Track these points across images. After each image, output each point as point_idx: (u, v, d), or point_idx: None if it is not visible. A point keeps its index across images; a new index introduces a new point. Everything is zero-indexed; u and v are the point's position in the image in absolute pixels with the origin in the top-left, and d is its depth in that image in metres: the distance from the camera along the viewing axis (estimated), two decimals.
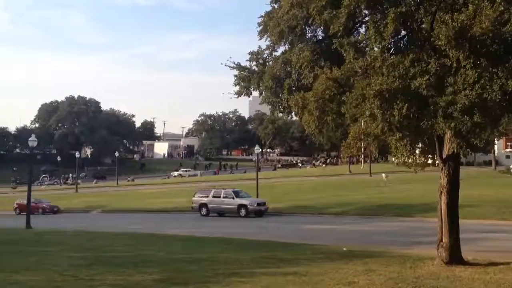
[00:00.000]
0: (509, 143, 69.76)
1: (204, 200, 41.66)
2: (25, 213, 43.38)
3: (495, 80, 12.05)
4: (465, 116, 12.28)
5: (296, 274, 14.26)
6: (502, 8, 11.77)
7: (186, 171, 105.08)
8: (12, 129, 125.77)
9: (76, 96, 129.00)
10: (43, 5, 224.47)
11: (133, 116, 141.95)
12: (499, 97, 12.03)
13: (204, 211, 41.29)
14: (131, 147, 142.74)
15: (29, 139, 36.88)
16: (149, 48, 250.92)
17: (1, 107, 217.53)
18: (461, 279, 13.32)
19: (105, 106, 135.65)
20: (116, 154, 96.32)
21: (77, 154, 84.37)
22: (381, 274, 13.96)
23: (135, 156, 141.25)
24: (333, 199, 44.40)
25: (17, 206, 49.16)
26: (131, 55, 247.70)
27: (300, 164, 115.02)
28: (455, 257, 15.37)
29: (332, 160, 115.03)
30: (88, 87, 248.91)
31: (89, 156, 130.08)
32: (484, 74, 12.20)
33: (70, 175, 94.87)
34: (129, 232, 28.41)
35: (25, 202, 45.18)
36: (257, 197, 45.03)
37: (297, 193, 51.54)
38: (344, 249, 19.62)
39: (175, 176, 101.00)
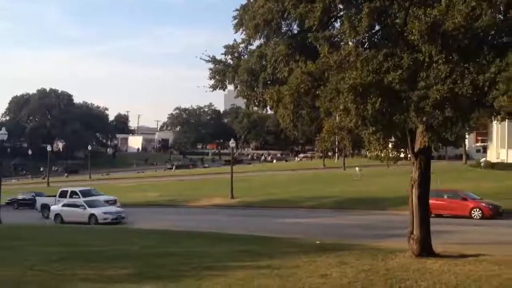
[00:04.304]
0: (479, 137, 70.84)
1: None
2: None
3: (466, 75, 12.27)
4: (437, 111, 12.48)
5: (269, 267, 14.33)
6: (474, 4, 11.91)
7: None
8: None
9: (48, 89, 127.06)
10: None
11: (106, 109, 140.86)
12: (470, 92, 12.26)
13: None
14: (104, 141, 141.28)
15: None
16: (124, 42, 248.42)
17: None
18: (431, 271, 13.55)
19: (78, 100, 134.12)
20: (89, 147, 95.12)
21: (48, 148, 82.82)
22: (353, 267, 14.13)
23: (108, 149, 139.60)
24: (307, 192, 44.59)
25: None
26: (106, 49, 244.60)
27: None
28: (425, 249, 15.62)
29: (306, 156, 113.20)
30: (62, 81, 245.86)
31: (61, 149, 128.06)
32: (455, 69, 12.40)
33: (41, 169, 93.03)
34: (103, 227, 28.12)
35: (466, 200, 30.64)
36: (232, 191, 44.92)
37: (272, 186, 51.63)
38: (317, 242, 19.74)
39: None
